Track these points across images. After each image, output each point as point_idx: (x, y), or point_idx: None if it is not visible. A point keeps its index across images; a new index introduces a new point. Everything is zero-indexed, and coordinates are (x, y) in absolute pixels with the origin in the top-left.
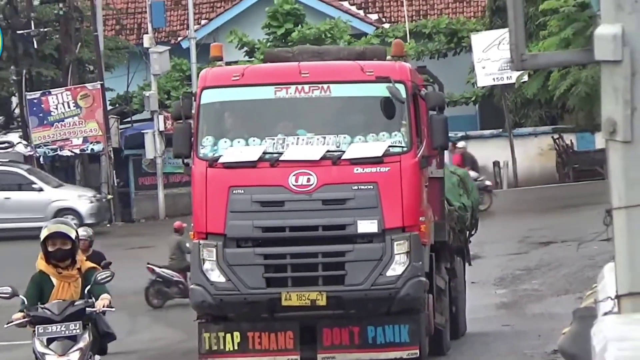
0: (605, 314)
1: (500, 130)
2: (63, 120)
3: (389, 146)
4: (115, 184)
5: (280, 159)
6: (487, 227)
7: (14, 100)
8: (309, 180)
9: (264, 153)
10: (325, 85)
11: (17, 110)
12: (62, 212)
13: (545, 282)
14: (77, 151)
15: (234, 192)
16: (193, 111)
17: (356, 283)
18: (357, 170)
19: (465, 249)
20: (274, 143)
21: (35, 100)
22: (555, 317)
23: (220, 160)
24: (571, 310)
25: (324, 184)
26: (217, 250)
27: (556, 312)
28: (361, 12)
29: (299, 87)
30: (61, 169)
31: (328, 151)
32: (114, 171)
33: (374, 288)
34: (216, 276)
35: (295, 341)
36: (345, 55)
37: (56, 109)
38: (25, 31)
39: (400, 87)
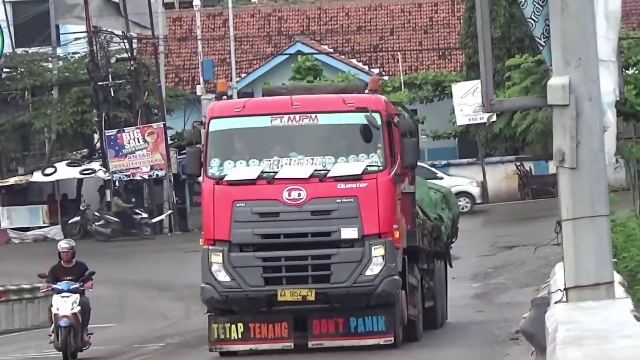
0: (557, 302)
1: (475, 159)
2: (134, 153)
3: (367, 166)
4: (175, 202)
5: (276, 177)
6: (464, 234)
7: (96, 136)
8: (299, 194)
9: (262, 172)
10: (313, 115)
11: (98, 144)
12: (459, 194)
13: (510, 277)
14: (146, 176)
15: (237, 205)
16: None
17: (340, 281)
18: (340, 186)
19: (446, 253)
20: (270, 164)
21: (112, 137)
22: (517, 305)
23: (226, 179)
24: (530, 299)
25: (313, 197)
26: (223, 254)
27: (518, 301)
28: (366, 67)
29: (291, 116)
30: (132, 190)
31: (316, 170)
32: (174, 192)
33: (355, 285)
34: (223, 276)
35: (290, 331)
36: (330, 90)
37: (129, 143)
38: (105, 83)
39: (376, 116)
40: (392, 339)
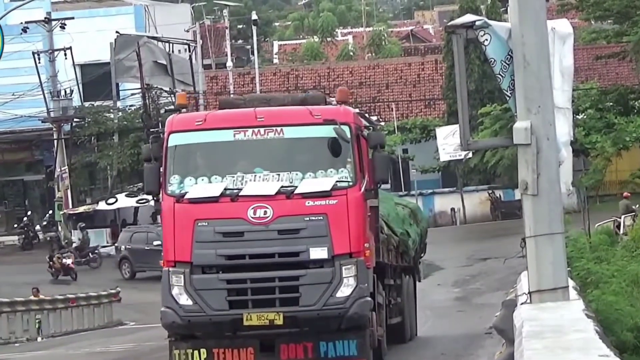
0: (522, 303)
1: (455, 188)
2: None
3: (337, 181)
4: None
5: (240, 194)
6: (446, 248)
7: None
8: (265, 212)
9: (225, 189)
10: (278, 128)
11: None
12: None
13: (484, 283)
14: None
15: (199, 224)
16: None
17: (309, 304)
18: (308, 203)
19: (414, 268)
20: (234, 180)
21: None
22: (491, 306)
23: (186, 196)
24: (501, 301)
25: (279, 215)
26: (184, 276)
27: (491, 303)
28: (366, 115)
29: (255, 130)
30: None
31: (282, 187)
32: None
33: (325, 308)
34: (184, 299)
35: (256, 356)
36: (289, 101)
37: None
38: (156, 129)
39: (345, 129)
40: None
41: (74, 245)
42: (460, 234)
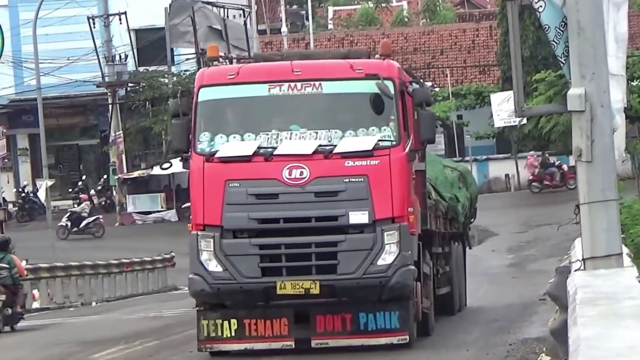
0: (576, 270)
1: (509, 154)
2: None
3: (379, 140)
4: None
5: (274, 153)
6: (500, 214)
7: None
8: (302, 173)
9: (259, 148)
10: (316, 83)
11: None
12: None
13: (538, 250)
14: None
15: (230, 185)
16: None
17: (348, 272)
18: (348, 163)
19: (464, 234)
20: (268, 138)
21: None
22: (544, 272)
23: (217, 155)
24: (554, 268)
25: (317, 177)
26: (214, 241)
27: (545, 269)
28: (421, 81)
29: (292, 84)
30: None
31: (320, 145)
32: None
33: (365, 277)
34: (213, 266)
35: (290, 327)
36: (330, 56)
37: None
38: None
39: (389, 84)
40: (407, 337)
41: None
42: (515, 200)
